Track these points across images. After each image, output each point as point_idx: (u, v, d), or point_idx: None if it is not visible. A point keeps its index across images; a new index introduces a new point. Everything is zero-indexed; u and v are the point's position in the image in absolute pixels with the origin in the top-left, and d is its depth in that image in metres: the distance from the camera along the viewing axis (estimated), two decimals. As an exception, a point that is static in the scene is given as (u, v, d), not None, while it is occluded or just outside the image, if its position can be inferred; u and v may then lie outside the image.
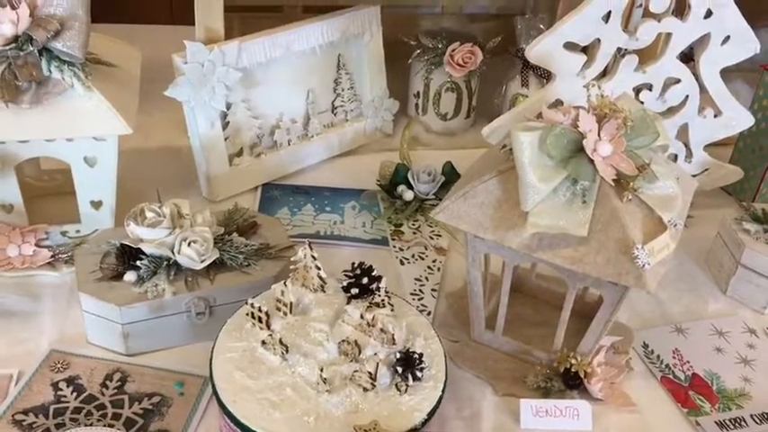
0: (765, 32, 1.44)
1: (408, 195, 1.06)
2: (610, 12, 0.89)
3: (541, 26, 1.20)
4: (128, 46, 0.97)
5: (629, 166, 0.70)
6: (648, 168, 0.71)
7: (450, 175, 1.08)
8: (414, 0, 1.37)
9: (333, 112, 1.17)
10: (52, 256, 0.90)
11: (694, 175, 1.06)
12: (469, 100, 1.22)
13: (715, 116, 1.01)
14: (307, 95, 1.13)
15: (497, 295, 0.83)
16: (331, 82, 1.15)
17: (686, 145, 1.04)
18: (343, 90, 1.17)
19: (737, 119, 1.02)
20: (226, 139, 1.05)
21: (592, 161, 0.69)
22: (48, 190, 1.00)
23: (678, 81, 0.98)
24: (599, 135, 0.70)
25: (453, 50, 1.16)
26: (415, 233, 1.03)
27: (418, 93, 1.23)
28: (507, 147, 0.75)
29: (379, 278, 0.74)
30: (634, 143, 0.71)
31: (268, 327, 0.71)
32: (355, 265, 0.75)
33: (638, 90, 0.97)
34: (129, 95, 0.89)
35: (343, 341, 0.70)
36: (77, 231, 0.93)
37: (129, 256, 0.81)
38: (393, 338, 0.70)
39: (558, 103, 0.95)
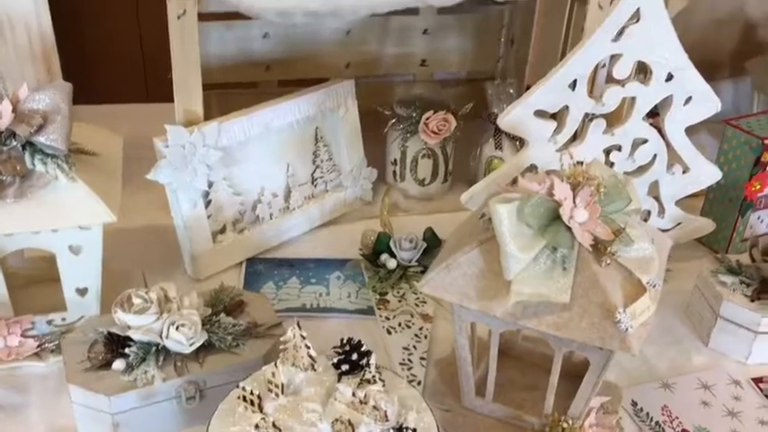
0: (726, 85, 1.51)
1: (392, 264, 1.07)
2: (576, 80, 0.93)
3: (511, 91, 1.24)
4: (108, 132, 0.99)
5: (606, 231, 0.72)
6: (624, 232, 0.73)
7: (432, 241, 1.10)
8: (386, 69, 1.41)
9: (313, 183, 1.19)
10: (38, 347, 0.89)
11: (668, 230, 1.09)
12: (446, 165, 1.25)
13: (684, 172, 1.05)
14: (286, 169, 1.15)
15: (486, 360, 0.84)
16: (310, 154, 1.18)
17: (658, 200, 1.07)
18: (321, 162, 1.19)
19: (705, 174, 1.05)
20: (209, 217, 1.06)
21: (569, 228, 0.72)
22: (32, 278, 1.00)
23: (645, 141, 1.01)
24: (574, 202, 0.72)
25: (428, 119, 1.19)
26: (400, 301, 1.05)
27: (395, 160, 1.26)
28: (486, 216, 0.77)
29: (368, 353, 0.75)
30: (608, 208, 0.73)
31: (260, 409, 0.71)
32: (344, 342, 0.76)
33: (608, 151, 1.01)
34: (112, 182, 0.90)
35: (337, 420, 0.70)
36: (63, 319, 0.93)
37: (116, 343, 0.81)
38: (386, 415, 0.70)
39: (532, 168, 0.98)
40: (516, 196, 0.73)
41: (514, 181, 0.96)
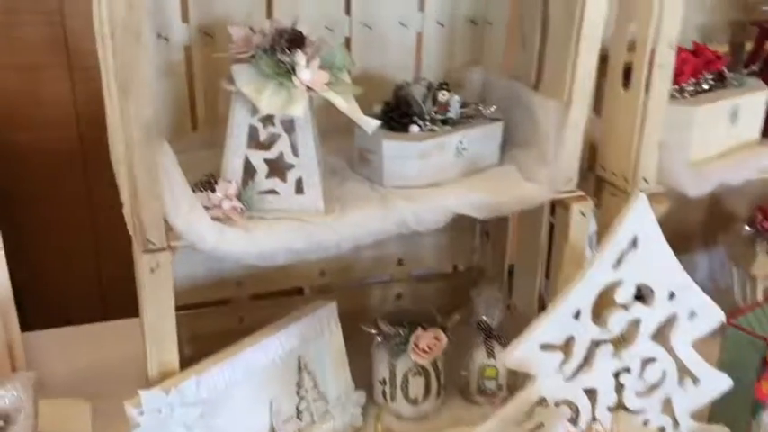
0: (701, 256, 1.50)
1: None
2: (579, 310, 0.89)
3: (498, 295, 1.20)
4: (74, 402, 0.89)
5: None
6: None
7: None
8: (363, 272, 1.36)
9: (298, 416, 1.09)
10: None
11: (684, 444, 1.03)
12: (438, 380, 1.18)
13: (694, 384, 1.00)
14: (269, 407, 1.06)
15: None
16: (293, 386, 1.09)
17: (672, 417, 1.01)
18: (306, 392, 1.10)
19: (715, 383, 1.01)
20: (188, 479, 0.95)
21: None
22: None
23: (654, 359, 0.97)
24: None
25: (417, 338, 1.12)
26: None
27: (384, 380, 1.18)
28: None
29: None
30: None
31: None
32: None
33: (617, 374, 0.96)
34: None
35: None
36: None
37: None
38: None
39: (541, 402, 0.92)
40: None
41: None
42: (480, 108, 1.13)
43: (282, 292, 1.29)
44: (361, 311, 1.31)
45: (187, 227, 0.88)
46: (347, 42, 1.18)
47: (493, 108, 1.13)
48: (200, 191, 0.96)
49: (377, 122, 0.94)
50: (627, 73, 1.05)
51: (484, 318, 1.18)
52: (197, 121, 1.14)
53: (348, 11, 1.17)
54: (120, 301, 1.10)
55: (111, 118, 0.90)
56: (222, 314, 1.26)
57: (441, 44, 1.24)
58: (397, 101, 1.07)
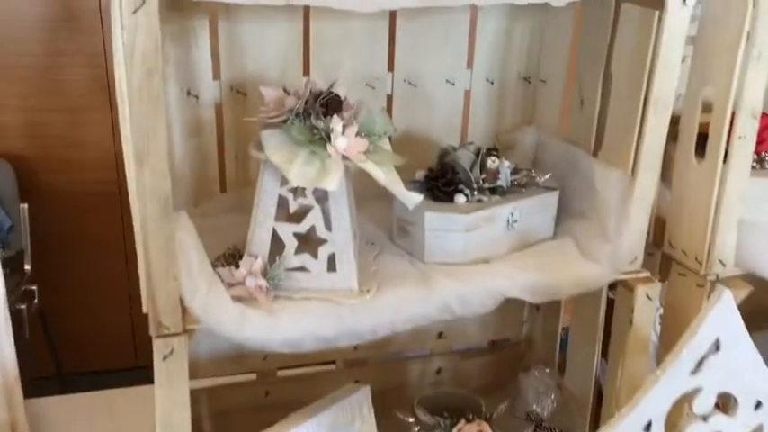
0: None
1: None
2: (651, 421, 0.77)
3: (549, 380, 1.08)
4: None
5: None
6: None
7: None
8: (400, 346, 1.25)
9: None
10: None
11: None
12: (481, 475, 1.06)
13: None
14: (293, 504, 0.95)
15: None
16: (320, 478, 0.98)
17: None
18: (334, 486, 0.99)
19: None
20: None
21: None
22: None
23: (736, 474, 0.84)
24: None
25: (460, 429, 1.01)
26: None
27: (421, 475, 1.06)
28: None
29: None
30: None
31: None
32: None
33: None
34: None
35: None
36: None
37: None
38: None
39: None
40: None
41: None
42: (533, 175, 1.03)
43: (311, 364, 1.19)
44: (398, 389, 1.21)
45: (205, 310, 0.80)
46: (389, 101, 1.10)
47: (547, 176, 1.02)
48: (223, 265, 0.87)
49: (419, 197, 0.85)
50: (700, 138, 0.94)
51: (535, 408, 1.06)
52: (225, 182, 1.07)
53: (391, 67, 1.08)
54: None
55: (129, 185, 0.82)
56: (247, 388, 1.17)
57: (490, 103, 1.15)
58: (442, 167, 0.98)
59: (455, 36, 1.09)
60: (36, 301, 1.59)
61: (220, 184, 1.07)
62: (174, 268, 0.78)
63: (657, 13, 0.88)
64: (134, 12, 0.66)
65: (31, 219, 1.73)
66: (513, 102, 1.15)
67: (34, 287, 1.62)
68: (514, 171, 1.01)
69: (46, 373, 1.67)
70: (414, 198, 0.83)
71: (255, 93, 1.02)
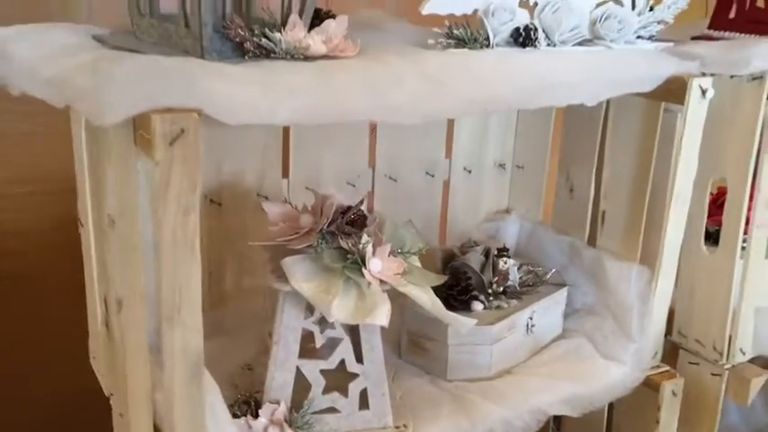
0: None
1: None
2: None
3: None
4: None
5: None
6: None
7: None
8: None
9: None
10: None
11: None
12: None
13: None
14: None
15: None
16: None
17: None
18: None
19: None
20: None
21: None
22: None
23: None
24: None
25: None
26: None
27: None
28: None
29: None
30: None
31: None
32: None
33: None
34: None
35: None
36: None
37: None
38: None
39: None
40: None
41: None
42: (534, 269, 0.98)
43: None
44: None
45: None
46: (369, 198, 1.01)
47: (552, 270, 0.97)
48: (236, 416, 0.73)
49: (472, 321, 0.76)
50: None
51: None
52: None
53: (372, 162, 1.00)
54: None
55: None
56: None
57: (469, 192, 1.09)
58: (453, 273, 0.89)
59: (434, 126, 1.03)
60: None
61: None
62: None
63: (663, 104, 0.87)
64: (171, 143, 0.53)
65: None
66: (491, 189, 1.11)
67: None
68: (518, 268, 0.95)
69: None
70: (467, 322, 0.75)
71: (232, 202, 0.90)
